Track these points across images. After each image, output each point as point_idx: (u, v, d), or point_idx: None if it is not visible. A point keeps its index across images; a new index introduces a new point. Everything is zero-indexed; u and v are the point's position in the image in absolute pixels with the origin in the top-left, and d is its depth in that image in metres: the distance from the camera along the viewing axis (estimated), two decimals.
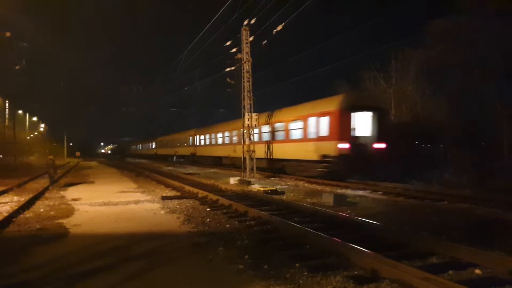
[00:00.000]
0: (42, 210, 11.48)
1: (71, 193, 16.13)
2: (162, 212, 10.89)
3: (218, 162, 33.49)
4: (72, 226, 9.01)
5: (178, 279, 5.29)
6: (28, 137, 65.06)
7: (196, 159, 39.52)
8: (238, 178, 20.58)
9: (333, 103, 18.37)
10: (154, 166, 38.93)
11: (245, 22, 21.70)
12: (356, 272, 5.39)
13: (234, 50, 22.73)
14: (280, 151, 22.46)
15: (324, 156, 18.12)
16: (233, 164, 28.43)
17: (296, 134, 20.90)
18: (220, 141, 32.77)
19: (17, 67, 33.11)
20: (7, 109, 42.76)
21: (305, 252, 6.50)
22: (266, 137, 24.21)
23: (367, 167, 17.91)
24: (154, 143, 63.76)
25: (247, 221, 9.24)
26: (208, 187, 17.33)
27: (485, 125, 23.37)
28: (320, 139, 18.61)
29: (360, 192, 14.93)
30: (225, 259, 6.15)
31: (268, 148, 23.70)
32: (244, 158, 22.42)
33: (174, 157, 47.87)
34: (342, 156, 17.25)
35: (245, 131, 22.51)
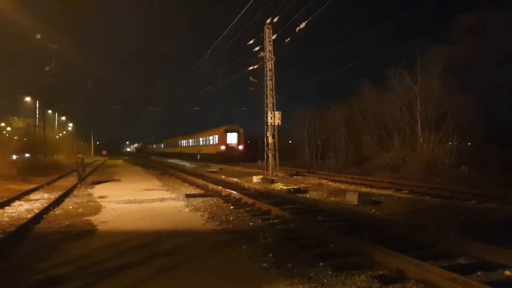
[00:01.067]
0: (70, 207, 11.80)
1: (98, 190, 16.52)
2: (187, 210, 11.03)
3: (190, 156, 52.11)
4: (100, 223, 9.24)
5: (203, 277, 5.36)
6: (57, 136, 66.79)
7: (182, 156, 57.63)
8: (261, 176, 20.62)
9: (220, 130, 40.84)
10: (178, 165, 39.40)
11: (268, 21, 21.64)
12: (381, 272, 5.33)
13: (257, 48, 22.74)
14: (203, 149, 46.75)
15: (217, 151, 40.35)
16: (198, 158, 49.29)
17: (209, 142, 44.44)
18: (190, 144, 54.99)
19: (46, 68, 34.01)
20: (37, 109, 43.96)
21: (329, 251, 6.48)
22: (197, 143, 50.07)
23: (234, 157, 38.59)
24: (162, 144, 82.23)
25: (271, 220, 9.26)
26: (231, 185, 17.44)
27: None
28: (216, 144, 41.37)
29: (385, 191, 14.73)
30: (249, 257, 6.19)
31: (198, 148, 49.10)
32: (267, 156, 22.42)
33: (198, 156, 48.66)
34: (222, 152, 39.14)
35: (268, 129, 22.49)
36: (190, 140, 54.88)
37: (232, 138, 39.73)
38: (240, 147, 39.42)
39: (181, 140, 61.02)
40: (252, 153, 36.01)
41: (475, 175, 18.60)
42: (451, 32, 23.88)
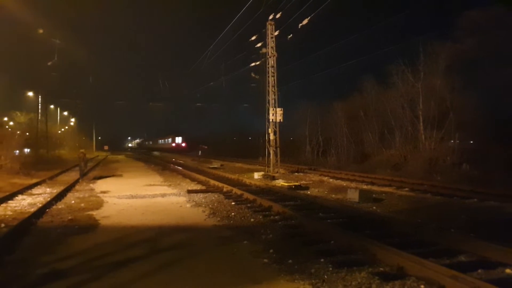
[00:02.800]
0: (73, 202, 11.86)
1: (100, 185, 16.58)
2: (188, 205, 11.07)
3: (162, 150, 74.65)
4: (102, 218, 9.29)
5: (204, 272, 5.40)
6: (60, 131, 66.83)
7: (158, 149, 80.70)
8: (262, 173, 20.65)
9: (172, 135, 76.05)
10: (179, 161, 39.45)
11: (271, 17, 21.63)
12: (381, 269, 5.36)
13: (259, 45, 22.70)
14: (166, 146, 78.81)
15: (171, 147, 73.68)
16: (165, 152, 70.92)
17: (168, 141, 78.72)
18: (162, 142, 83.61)
19: (49, 63, 33.99)
20: (39, 104, 43.90)
21: (329, 247, 6.51)
22: (163, 142, 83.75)
23: (181, 150, 65.03)
24: (151, 142, 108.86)
25: (272, 216, 9.30)
26: (232, 182, 17.48)
27: None
28: (170, 143, 76.04)
29: (386, 189, 14.75)
30: (250, 253, 6.22)
31: (165, 145, 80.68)
32: (268, 153, 22.43)
33: (200, 152, 48.90)
34: (173, 147, 72.57)
35: (269, 126, 22.51)
36: (162, 140, 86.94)
37: (178, 139, 71.20)
38: (183, 144, 68.90)
39: (159, 140, 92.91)
40: (192, 148, 62.51)
41: (477, 174, 18.58)
42: (455, 29, 23.64)
